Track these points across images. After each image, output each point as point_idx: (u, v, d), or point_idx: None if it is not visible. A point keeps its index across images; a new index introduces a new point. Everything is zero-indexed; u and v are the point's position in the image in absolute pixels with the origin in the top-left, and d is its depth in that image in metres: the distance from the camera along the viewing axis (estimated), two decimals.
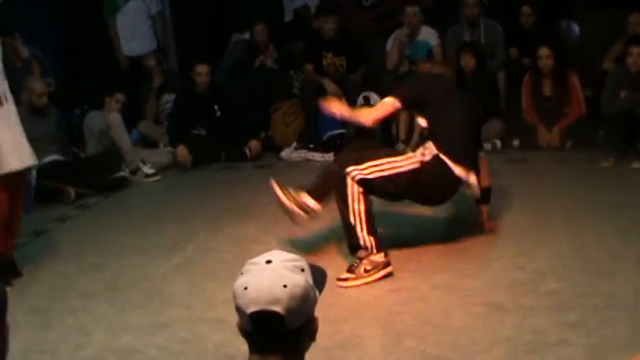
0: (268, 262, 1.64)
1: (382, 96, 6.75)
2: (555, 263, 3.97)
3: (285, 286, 1.59)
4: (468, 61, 6.70)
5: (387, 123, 6.76)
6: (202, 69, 6.84)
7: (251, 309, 1.59)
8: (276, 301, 1.58)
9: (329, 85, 6.97)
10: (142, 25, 7.66)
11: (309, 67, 7.13)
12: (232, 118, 6.91)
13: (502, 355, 3.07)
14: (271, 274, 1.61)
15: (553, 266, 3.92)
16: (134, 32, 7.64)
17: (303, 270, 1.65)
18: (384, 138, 6.79)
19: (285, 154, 6.88)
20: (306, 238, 4.48)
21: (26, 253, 4.76)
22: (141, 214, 5.50)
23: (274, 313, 1.58)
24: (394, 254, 4.22)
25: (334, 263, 4.02)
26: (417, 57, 6.80)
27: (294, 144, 6.95)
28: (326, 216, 4.29)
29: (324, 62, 7.13)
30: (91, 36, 7.67)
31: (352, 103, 6.67)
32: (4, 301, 1.51)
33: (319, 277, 1.71)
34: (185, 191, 6.11)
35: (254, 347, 1.64)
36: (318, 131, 6.97)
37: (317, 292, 1.68)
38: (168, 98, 7.26)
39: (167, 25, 7.87)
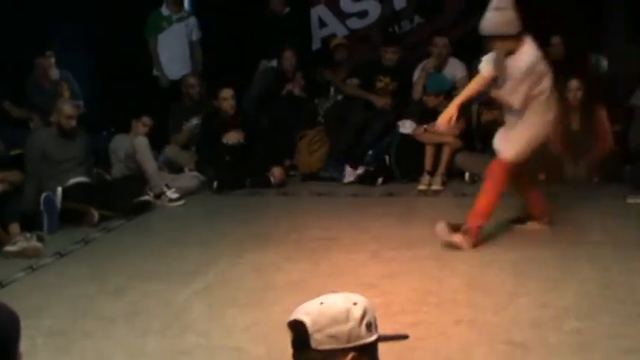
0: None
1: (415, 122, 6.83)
2: (580, 301, 3.89)
3: (321, 303, 1.64)
4: None
5: (419, 148, 6.72)
6: (227, 93, 6.93)
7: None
8: (306, 313, 1.63)
9: (378, 100, 7.16)
10: (181, 50, 7.68)
11: (355, 81, 7.28)
12: (257, 145, 6.95)
13: None
14: (326, 296, 1.66)
15: (578, 304, 3.85)
16: (172, 56, 7.66)
17: (355, 304, 1.64)
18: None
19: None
20: (328, 269, 4.46)
21: (48, 274, 4.80)
22: (163, 239, 5.51)
23: (299, 322, 1.61)
24: (415, 287, 4.18)
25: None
26: (430, 89, 6.82)
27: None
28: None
29: (378, 85, 7.22)
30: (123, 58, 7.72)
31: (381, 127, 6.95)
32: (17, 330, 1.49)
33: (390, 336, 1.77)
34: (208, 217, 6.12)
35: None
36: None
37: (365, 332, 1.64)
38: (197, 122, 7.30)
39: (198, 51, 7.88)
